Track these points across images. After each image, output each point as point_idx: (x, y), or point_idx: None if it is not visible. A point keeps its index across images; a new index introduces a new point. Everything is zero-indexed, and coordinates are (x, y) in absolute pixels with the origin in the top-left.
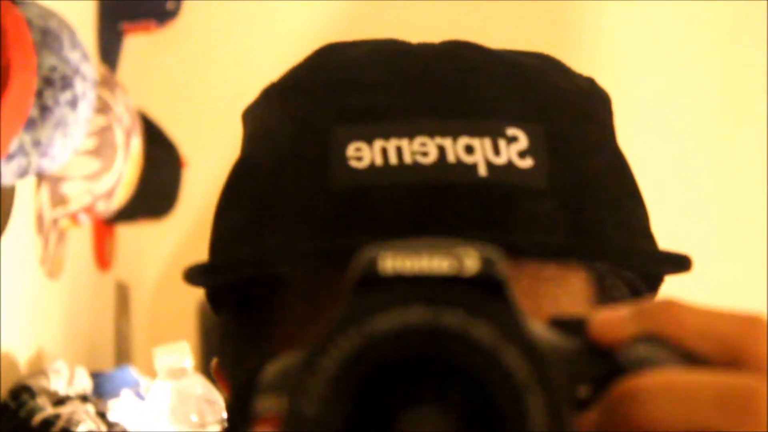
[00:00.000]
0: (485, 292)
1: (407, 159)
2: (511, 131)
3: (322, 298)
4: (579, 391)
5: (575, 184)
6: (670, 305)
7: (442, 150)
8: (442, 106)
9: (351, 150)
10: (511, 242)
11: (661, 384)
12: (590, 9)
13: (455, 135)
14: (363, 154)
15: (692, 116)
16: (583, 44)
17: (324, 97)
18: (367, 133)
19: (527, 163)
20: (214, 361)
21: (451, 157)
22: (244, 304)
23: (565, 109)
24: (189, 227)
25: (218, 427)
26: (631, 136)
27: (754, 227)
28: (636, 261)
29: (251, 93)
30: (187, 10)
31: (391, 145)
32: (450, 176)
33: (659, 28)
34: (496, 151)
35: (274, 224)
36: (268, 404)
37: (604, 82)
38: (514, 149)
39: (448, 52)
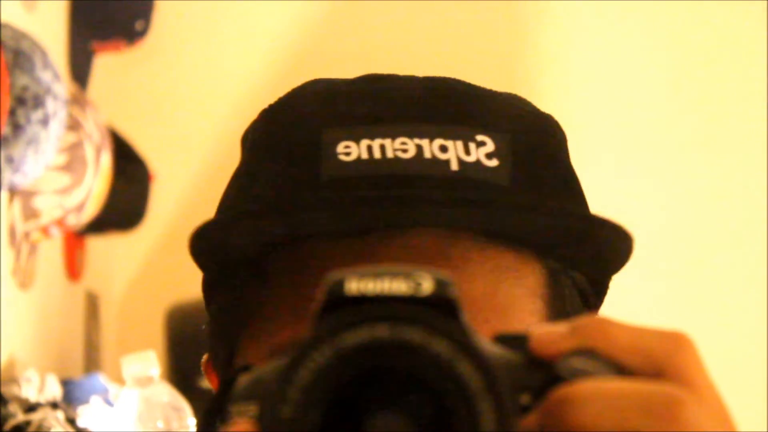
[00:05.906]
0: (440, 310)
1: (389, 154)
2: (480, 137)
3: (305, 277)
4: (521, 398)
5: (532, 187)
6: (602, 323)
7: (419, 148)
8: (420, 115)
9: (341, 147)
10: (480, 224)
11: (593, 391)
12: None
13: (432, 137)
14: (351, 151)
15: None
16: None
17: (315, 106)
18: (354, 135)
19: (493, 163)
20: (204, 357)
21: (427, 154)
22: (236, 287)
23: (527, 126)
24: (157, 239)
25: None
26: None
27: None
28: (587, 245)
29: (216, 109)
30: (155, 30)
31: (376, 143)
32: (426, 168)
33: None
34: (467, 151)
35: (270, 213)
36: (242, 409)
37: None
38: (482, 151)
39: (429, 81)
